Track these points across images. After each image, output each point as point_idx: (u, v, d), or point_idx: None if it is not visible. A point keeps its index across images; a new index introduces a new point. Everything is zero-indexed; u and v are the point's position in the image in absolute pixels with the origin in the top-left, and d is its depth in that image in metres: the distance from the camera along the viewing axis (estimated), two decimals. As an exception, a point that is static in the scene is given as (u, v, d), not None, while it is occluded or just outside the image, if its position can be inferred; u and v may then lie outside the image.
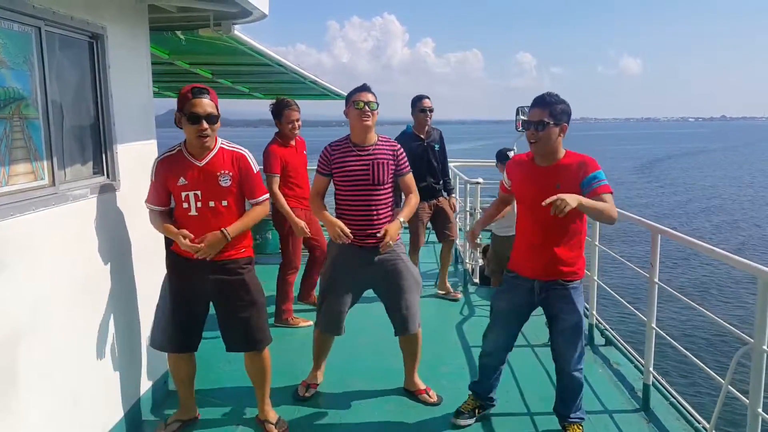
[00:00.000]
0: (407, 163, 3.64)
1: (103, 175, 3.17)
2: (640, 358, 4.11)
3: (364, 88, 3.54)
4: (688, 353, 3.49)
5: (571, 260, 3.11)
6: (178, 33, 4.18)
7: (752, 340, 2.63)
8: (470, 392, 3.60)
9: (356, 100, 3.46)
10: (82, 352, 2.89)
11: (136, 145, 3.45)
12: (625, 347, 4.53)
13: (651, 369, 3.68)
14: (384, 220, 3.52)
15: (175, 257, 3.21)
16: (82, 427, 2.89)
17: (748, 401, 2.67)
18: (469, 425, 3.46)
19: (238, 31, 3.93)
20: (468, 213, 6.76)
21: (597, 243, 4.58)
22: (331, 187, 3.67)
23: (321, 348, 3.87)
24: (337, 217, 3.54)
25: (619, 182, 35.49)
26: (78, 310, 2.85)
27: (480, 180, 6.55)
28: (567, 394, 3.33)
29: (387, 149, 3.55)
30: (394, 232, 3.41)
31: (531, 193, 3.08)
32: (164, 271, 3.33)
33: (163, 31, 4.14)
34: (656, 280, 3.60)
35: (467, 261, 6.69)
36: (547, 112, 2.97)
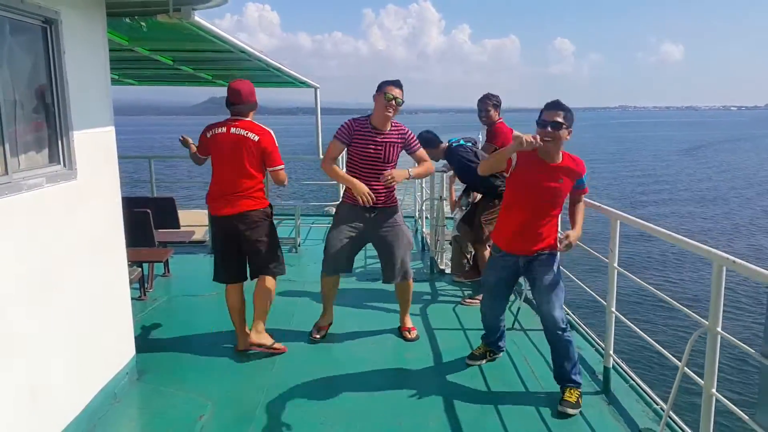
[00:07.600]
0: (417, 143, 4.35)
1: (60, 163, 3.08)
2: (600, 342, 4.20)
3: (397, 84, 4.16)
4: (647, 336, 3.56)
5: (550, 236, 3.60)
6: (138, 19, 4.07)
7: (707, 323, 2.70)
8: (481, 340, 4.15)
9: (387, 92, 4.09)
10: (39, 345, 2.82)
11: (94, 132, 3.37)
12: (586, 331, 4.62)
13: (611, 352, 3.76)
14: (385, 189, 4.22)
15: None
16: (40, 420, 2.83)
17: (703, 382, 2.74)
18: (480, 365, 4.06)
19: (199, 16, 3.85)
20: (438, 200, 6.73)
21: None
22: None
23: (328, 292, 4.50)
24: None
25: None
26: (34, 303, 2.78)
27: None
28: (559, 357, 3.62)
29: (398, 134, 4.23)
30: (398, 174, 4.11)
31: (532, 181, 3.48)
32: (122, 261, 3.62)
33: (123, 17, 4.02)
34: (616, 265, 3.66)
35: (434, 249, 6.71)
36: (562, 115, 3.36)
